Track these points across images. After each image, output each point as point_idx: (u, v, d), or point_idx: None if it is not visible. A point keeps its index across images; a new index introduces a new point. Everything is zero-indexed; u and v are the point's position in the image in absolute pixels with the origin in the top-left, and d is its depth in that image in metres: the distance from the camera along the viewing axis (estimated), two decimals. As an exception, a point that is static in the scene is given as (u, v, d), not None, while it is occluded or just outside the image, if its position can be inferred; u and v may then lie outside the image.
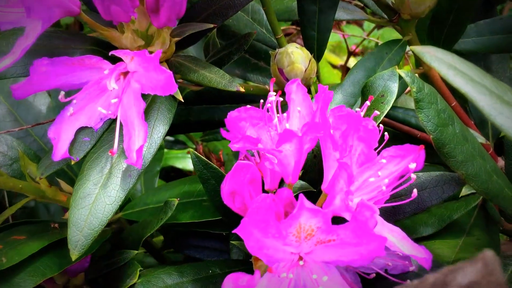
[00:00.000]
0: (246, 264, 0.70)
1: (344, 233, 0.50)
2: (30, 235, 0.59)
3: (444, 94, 0.86)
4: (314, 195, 0.68)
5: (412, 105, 0.98)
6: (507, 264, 0.63)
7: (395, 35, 1.69)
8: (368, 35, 1.32)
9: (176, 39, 0.63)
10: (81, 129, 0.58)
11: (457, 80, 0.41)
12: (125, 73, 0.58)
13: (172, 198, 0.68)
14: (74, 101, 0.55)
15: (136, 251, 0.66)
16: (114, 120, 0.59)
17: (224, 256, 0.79)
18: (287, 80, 0.77)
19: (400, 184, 0.55)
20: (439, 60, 0.43)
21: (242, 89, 0.60)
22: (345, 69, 1.61)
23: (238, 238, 0.74)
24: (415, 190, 0.54)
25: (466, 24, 0.80)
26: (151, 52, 0.62)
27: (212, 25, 0.64)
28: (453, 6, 0.78)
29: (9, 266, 0.51)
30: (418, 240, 0.69)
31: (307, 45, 0.82)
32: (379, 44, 1.38)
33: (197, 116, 0.84)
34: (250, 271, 0.64)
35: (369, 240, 0.48)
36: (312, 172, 0.70)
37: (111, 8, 0.50)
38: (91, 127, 0.58)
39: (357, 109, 0.64)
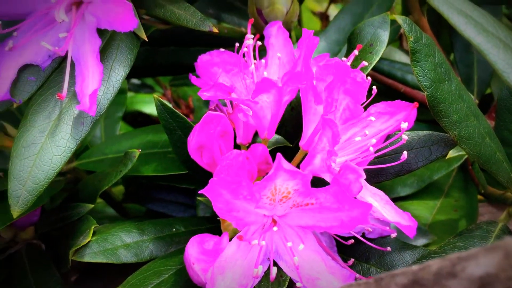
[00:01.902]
0: (213, 221, 0.64)
1: (324, 196, 0.45)
2: (-32, 186, 0.52)
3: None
4: (290, 150, 0.62)
5: (396, 56, 0.92)
6: (489, 230, 0.59)
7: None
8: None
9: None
10: (26, 67, 0.49)
11: (468, 30, 0.35)
12: (78, 3, 0.49)
13: (134, 148, 0.62)
14: (15, 33, 0.47)
15: (91, 205, 0.60)
16: (65, 59, 0.51)
17: (190, 212, 0.74)
18: (266, 22, 0.70)
19: (389, 145, 0.50)
20: (449, 4, 0.36)
21: (215, 30, 0.52)
22: (324, 17, 1.53)
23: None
24: (405, 153, 0.49)
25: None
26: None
27: (183, -48, 0.56)
28: None
29: None
30: (395, 200, 0.65)
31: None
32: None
33: (165, 58, 0.76)
34: (218, 230, 0.59)
35: (352, 206, 0.43)
36: (289, 126, 0.64)
37: None
38: (37, 65, 0.50)
39: (343, 58, 0.58)
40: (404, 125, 0.48)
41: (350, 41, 0.63)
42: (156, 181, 0.69)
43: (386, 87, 0.82)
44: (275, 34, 0.56)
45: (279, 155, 0.42)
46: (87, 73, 0.48)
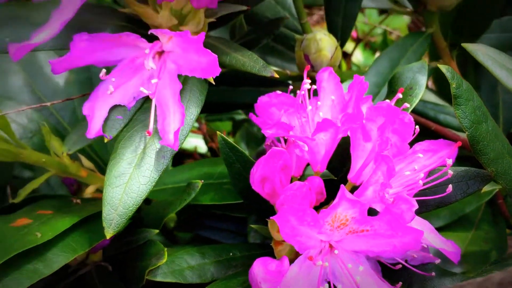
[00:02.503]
0: (264, 247, 0.70)
1: (378, 224, 0.50)
2: (56, 210, 0.59)
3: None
4: (335, 183, 0.68)
5: (425, 96, 0.98)
6: None
7: (403, 22, 1.69)
8: (380, 23, 1.32)
9: (210, 20, 0.62)
10: (114, 107, 0.57)
11: (510, 81, 0.41)
12: (160, 53, 0.57)
13: (192, 179, 0.68)
14: (113, 79, 0.54)
15: (157, 230, 0.66)
16: (146, 99, 0.59)
17: (239, 239, 0.79)
18: (312, 66, 0.77)
19: (433, 179, 0.55)
20: (492, 60, 0.43)
21: (276, 75, 0.59)
22: (348, 57, 1.60)
23: (256, 221, 0.74)
24: (450, 186, 0.55)
25: (492, 19, 0.80)
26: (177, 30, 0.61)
27: (245, 8, 0.63)
28: (480, 1, 0.78)
29: (43, 241, 0.50)
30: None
31: (331, 31, 0.82)
32: (384, 29, 1.38)
33: (217, 97, 0.84)
34: (269, 254, 0.65)
35: (405, 233, 0.49)
36: (335, 160, 0.71)
37: (161, -14, 0.48)
38: (124, 106, 0.57)
39: (387, 100, 0.64)
40: (449, 161, 0.54)
41: (391, 84, 0.70)
42: (210, 209, 0.75)
43: (419, 125, 0.88)
44: (327, 79, 0.63)
45: (342, 186, 0.48)
46: (168, 113, 0.55)
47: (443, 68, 0.53)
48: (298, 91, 0.67)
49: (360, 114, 0.57)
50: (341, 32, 0.82)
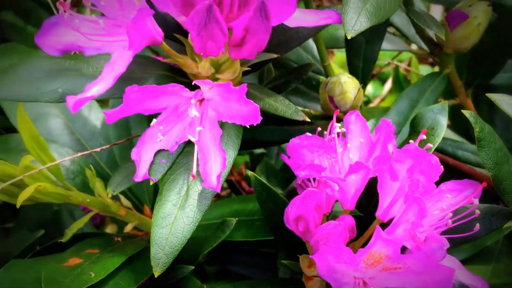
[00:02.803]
0: (295, 283, 0.73)
1: (411, 262, 0.53)
2: (102, 249, 0.62)
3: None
4: (361, 219, 0.71)
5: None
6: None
7: (413, 57, 1.74)
8: (393, 59, 1.37)
9: (244, 68, 0.66)
10: (158, 151, 0.61)
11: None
12: (201, 100, 0.61)
13: (224, 216, 0.71)
14: (161, 127, 0.59)
15: (192, 267, 0.69)
16: (187, 144, 0.63)
17: (268, 274, 0.82)
18: (336, 107, 0.81)
19: (462, 218, 0.59)
20: (507, 105, 0.46)
21: (307, 119, 0.63)
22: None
23: (286, 257, 0.77)
24: (477, 225, 0.58)
25: (506, 60, 0.84)
26: (217, 79, 0.66)
27: (276, 55, 0.68)
28: (495, 43, 0.82)
29: (97, 280, 0.53)
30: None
31: (352, 73, 0.86)
32: (396, 65, 1.43)
33: (244, 135, 0.87)
34: (299, 290, 0.68)
35: (437, 270, 0.52)
36: (361, 197, 0.74)
37: (207, 44, 0.53)
38: (167, 150, 0.61)
39: (411, 141, 0.68)
40: (476, 201, 0.57)
41: (413, 125, 0.74)
42: (241, 246, 0.78)
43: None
44: (354, 121, 0.67)
45: (378, 227, 0.51)
46: (209, 157, 0.59)
47: (466, 113, 0.57)
48: (325, 132, 0.71)
49: (388, 156, 0.61)
50: (362, 74, 0.87)
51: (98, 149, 0.64)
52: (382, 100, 1.65)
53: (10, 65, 0.83)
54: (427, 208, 0.54)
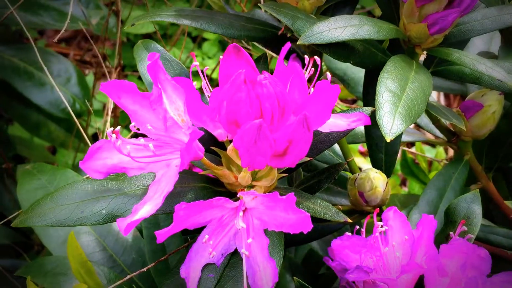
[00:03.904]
0: None
1: None
2: None
3: (503, 207, 0.91)
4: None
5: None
6: None
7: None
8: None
9: (281, 175, 0.68)
10: (205, 266, 0.60)
11: None
12: (244, 210, 0.62)
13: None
14: (211, 242, 0.59)
15: None
16: (232, 255, 0.62)
17: None
18: (366, 202, 0.82)
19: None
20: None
21: (349, 220, 0.64)
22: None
23: None
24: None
25: (524, 143, 0.87)
26: (253, 187, 0.67)
27: (309, 159, 0.70)
28: (511, 129, 0.85)
29: None
30: None
31: (375, 167, 0.88)
32: (403, 149, 1.46)
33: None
34: None
35: None
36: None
37: (256, 159, 0.55)
38: (213, 263, 0.60)
39: (451, 233, 0.69)
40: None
41: (447, 215, 0.74)
42: None
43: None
44: (393, 217, 0.68)
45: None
46: (258, 268, 0.59)
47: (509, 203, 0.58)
48: (362, 229, 0.72)
49: (435, 253, 0.61)
50: (385, 167, 0.88)
51: (136, 273, 0.63)
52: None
53: (40, 186, 0.84)
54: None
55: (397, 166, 1.78)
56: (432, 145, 2.01)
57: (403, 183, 2.11)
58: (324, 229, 0.92)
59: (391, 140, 0.86)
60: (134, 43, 2.45)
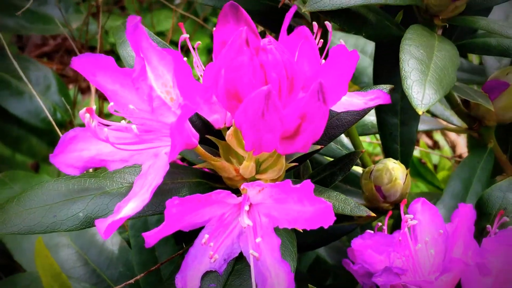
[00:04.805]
0: None
1: None
2: None
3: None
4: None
5: None
6: None
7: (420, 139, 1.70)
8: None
9: (290, 164, 0.58)
10: (205, 274, 0.50)
11: None
12: (249, 206, 0.52)
13: None
14: (212, 244, 0.49)
15: None
16: (237, 260, 0.52)
17: None
18: (384, 197, 0.72)
19: None
20: None
21: (372, 214, 0.54)
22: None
23: None
24: None
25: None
26: (253, 180, 0.57)
27: (319, 146, 0.60)
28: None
29: None
30: None
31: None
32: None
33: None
34: None
35: None
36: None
37: (264, 138, 0.45)
38: (214, 271, 0.50)
39: (488, 225, 0.59)
40: None
41: (480, 207, 0.65)
42: None
43: None
44: (421, 210, 0.58)
45: None
46: (268, 274, 0.49)
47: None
48: (384, 227, 0.62)
49: (477, 248, 0.51)
50: (401, 159, 0.79)
51: (122, 285, 0.53)
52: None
53: (13, 194, 0.73)
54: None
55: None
56: (432, 147, 1.93)
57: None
58: (332, 233, 0.83)
59: (407, 127, 0.78)
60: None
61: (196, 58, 0.56)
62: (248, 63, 0.43)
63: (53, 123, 1.13)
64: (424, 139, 1.95)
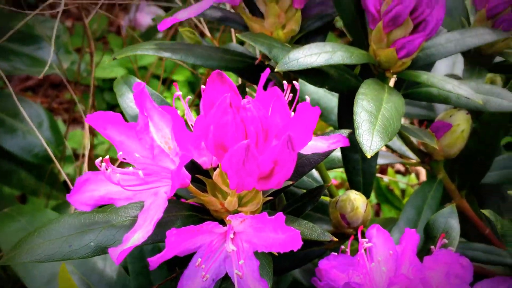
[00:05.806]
0: None
1: None
2: None
3: (478, 224, 0.94)
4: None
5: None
6: None
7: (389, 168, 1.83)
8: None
9: (267, 198, 0.69)
10: (196, 293, 0.60)
11: None
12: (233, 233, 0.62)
13: None
14: (203, 266, 0.59)
15: None
16: (223, 280, 0.62)
17: None
18: (348, 224, 0.84)
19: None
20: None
21: (335, 239, 0.65)
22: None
23: None
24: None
25: (492, 160, 0.91)
26: (237, 213, 0.68)
27: (291, 182, 0.71)
28: (479, 147, 0.89)
29: None
30: None
31: (354, 189, 0.90)
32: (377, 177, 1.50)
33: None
34: None
35: None
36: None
37: (245, 181, 0.56)
38: (204, 290, 0.60)
39: (432, 247, 0.71)
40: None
41: (427, 231, 0.77)
42: None
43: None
44: (376, 234, 0.70)
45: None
46: (250, 290, 0.59)
47: (486, 212, 0.61)
48: (347, 249, 0.73)
49: (419, 265, 0.63)
50: (363, 189, 0.91)
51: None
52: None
53: (21, 227, 0.83)
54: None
55: (371, 197, 1.82)
56: (404, 173, 2.07)
57: (376, 214, 2.15)
58: (306, 256, 0.93)
59: (367, 162, 0.90)
60: (103, 88, 2.46)
61: (187, 110, 0.67)
62: (232, 121, 0.54)
63: (53, 158, 1.20)
64: (397, 166, 2.09)
